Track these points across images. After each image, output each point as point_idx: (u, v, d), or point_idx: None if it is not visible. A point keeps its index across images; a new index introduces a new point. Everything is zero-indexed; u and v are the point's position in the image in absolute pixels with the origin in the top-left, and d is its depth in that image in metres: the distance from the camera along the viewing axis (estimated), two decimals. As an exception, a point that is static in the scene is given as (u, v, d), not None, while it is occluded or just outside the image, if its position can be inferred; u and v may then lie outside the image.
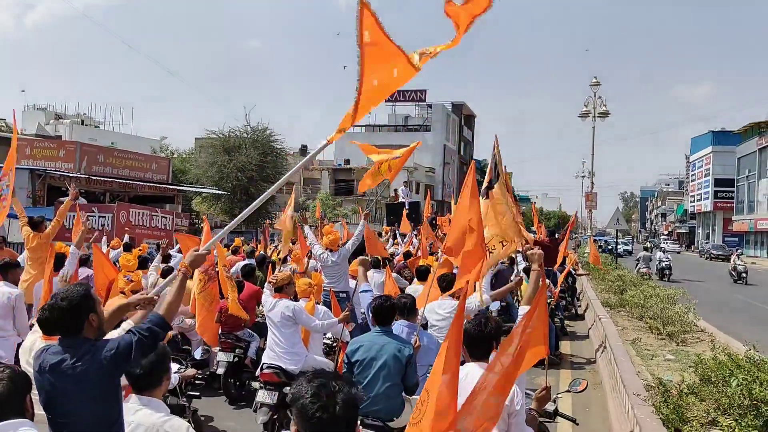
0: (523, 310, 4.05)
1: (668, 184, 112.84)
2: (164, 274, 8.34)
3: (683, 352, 8.32)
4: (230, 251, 12.72)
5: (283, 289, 6.33)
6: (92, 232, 9.11)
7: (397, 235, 15.57)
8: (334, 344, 7.16)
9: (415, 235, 15.36)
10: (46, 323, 3.36)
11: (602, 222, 65.29)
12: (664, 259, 27.60)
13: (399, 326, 5.12)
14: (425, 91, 59.97)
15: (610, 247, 40.44)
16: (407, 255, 12.47)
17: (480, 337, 3.55)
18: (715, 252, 50.18)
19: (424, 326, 6.35)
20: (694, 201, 73.96)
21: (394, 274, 10.29)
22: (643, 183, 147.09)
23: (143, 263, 9.02)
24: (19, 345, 5.49)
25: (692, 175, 76.31)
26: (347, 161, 53.41)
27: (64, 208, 8.37)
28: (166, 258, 11.16)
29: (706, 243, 62.21)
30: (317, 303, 6.98)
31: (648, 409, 5.32)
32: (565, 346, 10.99)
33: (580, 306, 15.37)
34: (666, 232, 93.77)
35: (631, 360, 7.46)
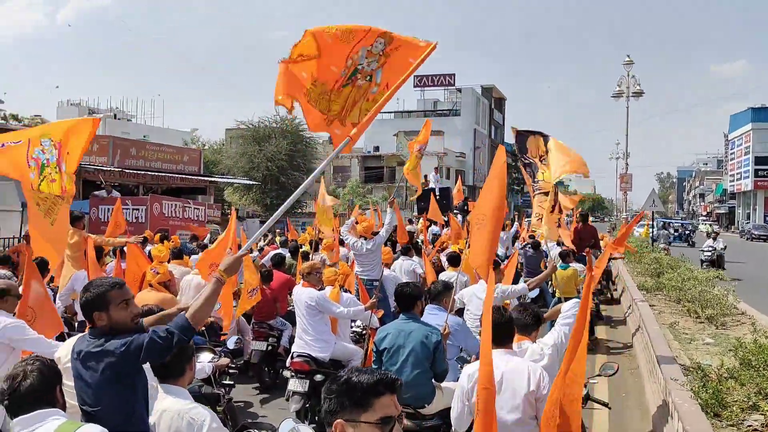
0: (568, 305, 3.97)
1: (706, 164, 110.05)
2: None
3: (723, 335, 8.11)
4: (266, 242, 12.86)
5: (309, 277, 6.37)
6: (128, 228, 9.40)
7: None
8: (364, 332, 7.17)
9: (446, 222, 15.32)
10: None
11: (638, 204, 64.18)
12: (706, 249, 22.01)
13: (428, 311, 5.11)
14: (454, 75, 59.40)
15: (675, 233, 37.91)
16: (435, 240, 12.50)
17: (499, 324, 3.50)
18: (756, 232, 48.84)
19: (460, 311, 6.34)
20: (733, 180, 72.06)
21: (416, 259, 10.27)
22: (679, 163, 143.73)
23: (178, 255, 9.12)
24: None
25: (731, 153, 74.33)
26: (376, 148, 53.35)
27: (118, 243, 8.70)
28: (203, 248, 11.30)
29: (747, 223, 60.62)
30: (346, 291, 6.99)
31: (686, 394, 5.20)
32: (601, 331, 10.83)
33: (615, 290, 15.14)
34: (704, 213, 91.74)
35: (668, 344, 7.31)
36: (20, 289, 5.83)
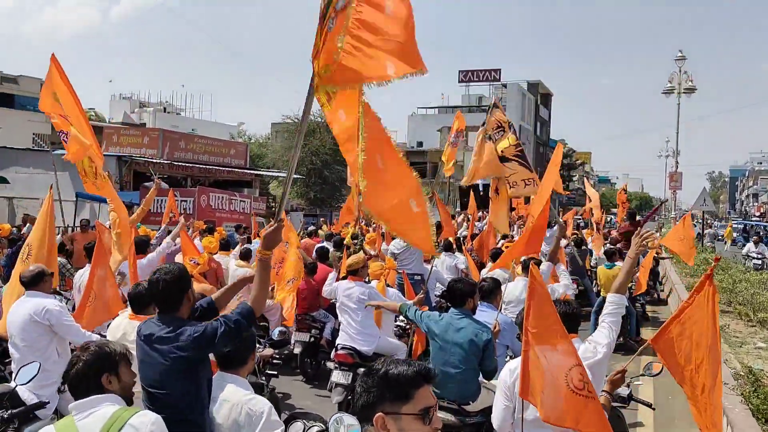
0: (613, 297, 3.90)
1: (761, 163, 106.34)
2: (243, 255, 8.59)
3: (780, 339, 7.87)
4: (306, 234, 12.99)
5: (357, 272, 6.45)
6: (188, 218, 9.46)
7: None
8: (407, 327, 7.20)
9: (480, 218, 15.18)
10: (141, 299, 3.55)
11: (687, 203, 62.37)
12: (755, 256, 19.17)
13: (478, 308, 5.10)
14: (499, 70, 58.77)
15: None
16: (473, 237, 12.42)
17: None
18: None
19: None
20: (789, 180, 69.47)
21: (458, 255, 10.19)
22: (732, 162, 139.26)
23: (225, 246, 9.31)
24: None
25: (787, 152, 71.65)
26: (420, 144, 53.29)
27: (150, 197, 8.50)
28: (248, 240, 11.51)
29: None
30: (390, 286, 7.05)
31: (736, 399, 5.08)
32: (647, 333, 10.61)
33: (662, 290, 14.78)
34: (758, 214, 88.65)
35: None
36: (78, 273, 6.09)
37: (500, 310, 5.19)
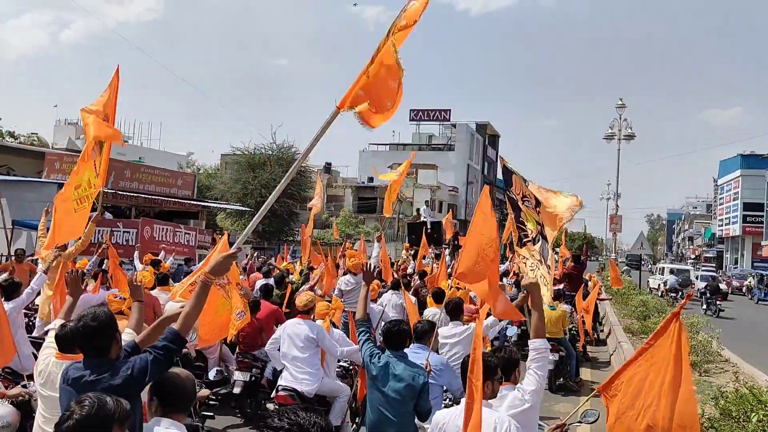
0: (534, 344, 3.96)
1: (696, 207, 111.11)
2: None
3: (706, 382, 8.14)
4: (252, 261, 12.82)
5: (309, 311, 6.43)
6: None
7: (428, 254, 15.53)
8: (351, 367, 7.16)
9: (436, 255, 15.38)
10: (67, 341, 3.41)
11: (627, 244, 64.45)
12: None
13: (411, 350, 5.12)
14: (449, 110, 60.11)
15: None
16: (422, 274, 12.50)
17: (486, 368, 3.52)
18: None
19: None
20: (722, 225, 72.64)
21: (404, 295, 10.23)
22: (670, 205, 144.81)
23: (163, 280, 9.07)
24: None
25: (720, 198, 75.05)
26: (371, 179, 53.61)
27: (90, 231, 8.03)
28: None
29: (735, 268, 60.94)
30: (336, 327, 7.03)
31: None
32: (586, 373, 10.83)
33: (602, 331, 15.14)
34: (693, 256, 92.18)
35: (651, 390, 7.31)
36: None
37: (431, 350, 5.21)
